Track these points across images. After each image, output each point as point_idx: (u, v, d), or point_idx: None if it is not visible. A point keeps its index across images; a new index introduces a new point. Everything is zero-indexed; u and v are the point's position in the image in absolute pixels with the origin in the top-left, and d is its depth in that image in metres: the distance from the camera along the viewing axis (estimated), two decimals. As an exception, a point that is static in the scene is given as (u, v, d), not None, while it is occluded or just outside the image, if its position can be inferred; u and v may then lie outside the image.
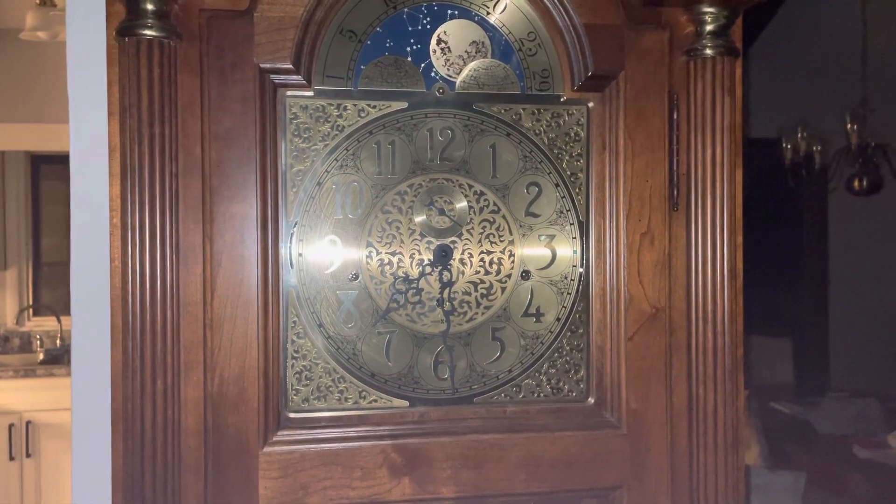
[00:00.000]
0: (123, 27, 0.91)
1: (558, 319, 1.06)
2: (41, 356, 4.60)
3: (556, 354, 1.06)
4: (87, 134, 1.02)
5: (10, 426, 4.13)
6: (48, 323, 4.80)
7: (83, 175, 1.03)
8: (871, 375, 5.32)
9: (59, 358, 4.54)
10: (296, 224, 1.00)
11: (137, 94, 0.91)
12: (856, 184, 4.48)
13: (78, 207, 1.03)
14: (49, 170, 4.92)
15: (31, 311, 4.84)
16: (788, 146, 4.40)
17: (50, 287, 4.89)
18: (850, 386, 5.20)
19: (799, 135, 4.33)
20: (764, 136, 4.92)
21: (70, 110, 1.01)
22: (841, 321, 5.68)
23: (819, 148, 4.43)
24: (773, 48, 5.12)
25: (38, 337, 4.76)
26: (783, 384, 5.04)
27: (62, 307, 4.71)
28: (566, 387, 1.06)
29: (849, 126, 4.40)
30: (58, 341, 4.74)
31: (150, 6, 0.91)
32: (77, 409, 1.07)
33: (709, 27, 1.02)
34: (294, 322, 1.00)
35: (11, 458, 4.12)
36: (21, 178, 4.86)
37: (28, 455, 4.16)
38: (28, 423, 4.16)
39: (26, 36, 3.53)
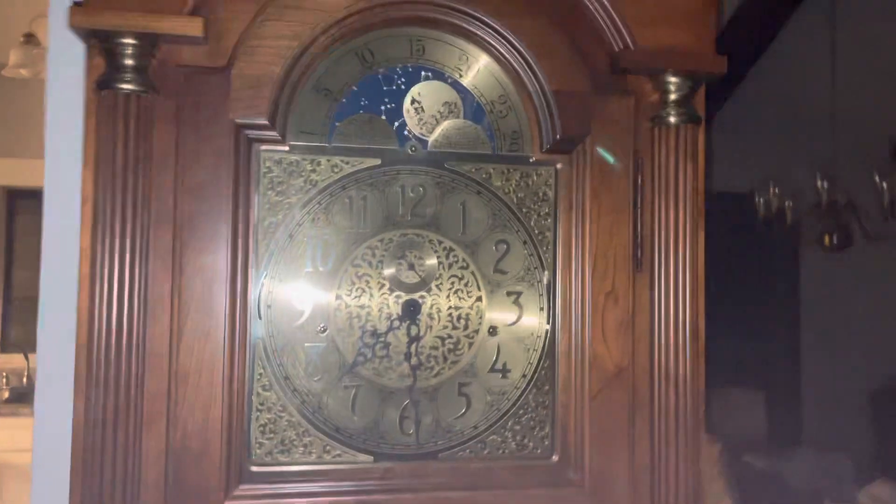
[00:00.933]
0: (102, 80, 0.93)
1: (524, 376, 1.07)
2: (6, 394, 4.51)
3: (521, 411, 1.07)
4: (62, 182, 1.03)
5: (-28, 468, 4.02)
6: (15, 360, 4.71)
7: (55, 223, 1.03)
8: (843, 428, 5.35)
9: (25, 396, 4.44)
10: (265, 276, 1.01)
11: (113, 145, 0.92)
12: (826, 240, 4.57)
13: (49, 253, 1.04)
14: (25, 204, 4.89)
15: (-2, 347, 4.76)
16: (761, 201, 4.49)
17: (20, 322, 4.81)
18: (821, 438, 5.23)
19: (771, 190, 4.42)
20: (737, 191, 5.02)
21: (46, 159, 1.02)
22: (813, 374, 5.73)
23: (790, 204, 4.53)
24: (747, 105, 5.26)
25: (4, 374, 4.67)
26: (756, 436, 5.05)
27: (31, 345, 4.63)
28: (531, 443, 1.07)
29: (819, 183, 4.50)
30: (24, 379, 4.65)
31: (128, 61, 0.93)
32: (38, 455, 1.06)
33: (672, 96, 1.06)
34: (260, 374, 1.00)
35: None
36: (-3, 211, 4.82)
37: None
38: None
39: (9, 73, 3.54)
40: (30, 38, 3.49)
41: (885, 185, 4.25)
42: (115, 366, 0.91)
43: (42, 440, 1.07)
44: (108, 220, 0.92)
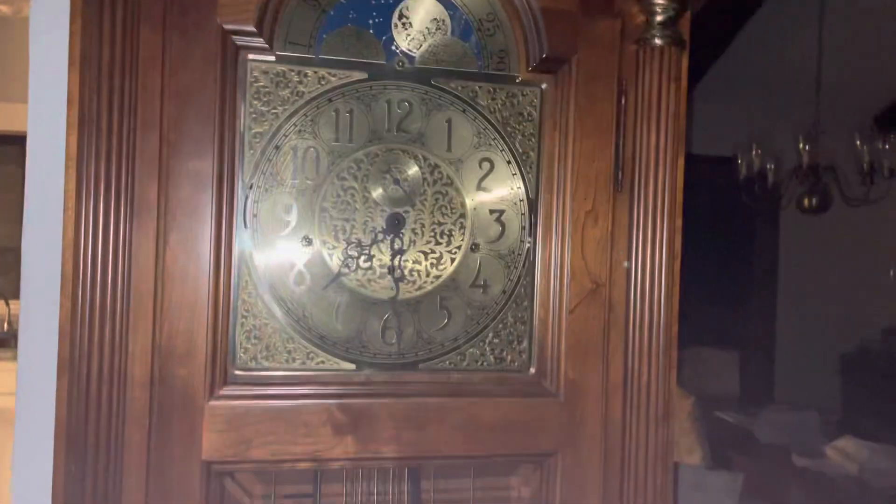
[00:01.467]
0: (88, -20, 0.93)
1: (504, 291, 1.10)
2: (-14, 338, 4.49)
3: (500, 325, 1.09)
4: (47, 85, 1.02)
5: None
6: (-5, 306, 4.69)
7: (40, 127, 1.03)
8: (814, 389, 5.48)
9: (6, 342, 4.43)
10: (251, 186, 1.02)
11: (99, 46, 0.92)
12: (806, 202, 4.63)
13: (34, 156, 1.04)
14: (4, 152, 4.81)
15: (-23, 293, 4.72)
16: (743, 162, 4.53)
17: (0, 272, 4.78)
18: (792, 398, 5.36)
19: (753, 152, 4.46)
20: (720, 154, 5.06)
21: (31, 60, 1.01)
22: (787, 335, 5.84)
23: (772, 166, 4.57)
24: (733, 68, 5.27)
25: (-16, 319, 4.64)
26: (729, 395, 5.16)
27: (11, 292, 4.61)
28: (509, 357, 1.10)
29: (801, 146, 4.55)
30: (5, 325, 4.63)
31: (116, -39, 0.92)
32: (22, 396, 1.07)
33: (658, 18, 1.07)
34: (246, 282, 1.02)
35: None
36: (-26, 157, 4.74)
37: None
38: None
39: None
40: (9, -27, 3.40)
41: (865, 148, 4.30)
42: (102, 265, 0.92)
43: (27, 380, 1.08)
44: (95, 121, 0.93)
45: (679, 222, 1.10)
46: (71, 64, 0.94)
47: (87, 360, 0.91)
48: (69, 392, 0.92)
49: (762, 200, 4.70)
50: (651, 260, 1.08)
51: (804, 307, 5.74)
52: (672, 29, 1.07)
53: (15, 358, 1.11)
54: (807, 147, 4.55)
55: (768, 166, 4.56)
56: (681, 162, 1.10)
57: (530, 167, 1.10)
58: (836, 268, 5.70)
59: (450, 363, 1.08)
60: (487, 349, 1.09)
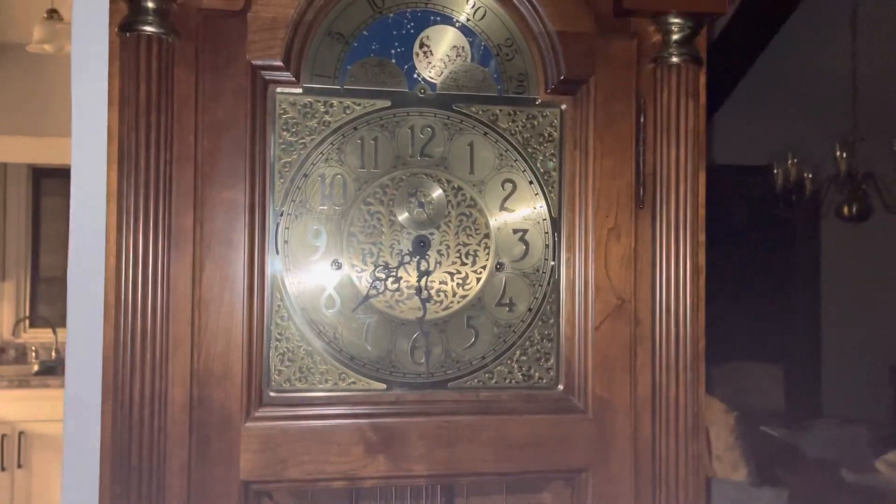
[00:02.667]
0: (125, 23, 0.98)
1: (530, 310, 1.11)
2: (36, 367, 4.63)
3: (527, 343, 1.11)
4: (88, 123, 1.08)
5: (3, 437, 4.15)
6: (44, 335, 4.84)
7: (83, 161, 1.09)
8: (862, 401, 5.35)
9: (53, 369, 4.57)
10: (282, 213, 1.06)
11: (136, 85, 0.97)
12: (846, 210, 4.55)
13: (78, 189, 1.09)
14: (50, 185, 4.99)
15: (27, 322, 4.89)
16: (779, 172, 4.48)
17: (47, 302, 4.94)
18: (840, 411, 5.23)
19: (790, 161, 4.41)
20: (756, 164, 5.01)
21: (73, 98, 1.07)
22: (833, 347, 5.71)
23: (810, 175, 4.51)
24: (767, 77, 5.22)
25: (33, 348, 4.80)
26: (773, 409, 5.07)
27: (59, 320, 4.75)
28: (537, 374, 1.11)
29: (838, 154, 4.48)
30: (53, 353, 4.78)
31: (150, 4, 0.97)
32: (69, 424, 1.12)
33: (675, 37, 1.09)
34: (279, 306, 1.05)
35: (3, 469, 4.14)
36: (22, 190, 4.93)
37: (20, 466, 4.17)
38: (21, 433, 4.18)
39: (33, 48, 3.62)
40: (52, 14, 3.56)
41: (904, 154, 4.22)
42: (143, 294, 0.97)
43: (73, 406, 1.13)
44: (133, 157, 0.97)
45: (702, 237, 1.11)
46: (111, 103, 0.99)
47: (129, 384, 0.96)
48: (113, 416, 0.96)
49: (800, 210, 4.64)
50: (675, 275, 1.09)
51: (850, 317, 5.61)
52: (688, 47, 1.09)
53: (63, 385, 1.16)
54: (844, 154, 4.49)
55: (806, 175, 4.50)
56: (702, 177, 1.11)
57: (552, 186, 1.12)
58: (881, 276, 5.57)
59: (478, 381, 1.10)
60: (515, 367, 1.11)
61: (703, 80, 1.11)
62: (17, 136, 4.57)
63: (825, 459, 4.02)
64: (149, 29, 0.97)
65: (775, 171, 4.48)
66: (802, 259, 5.74)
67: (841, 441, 4.29)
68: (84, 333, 1.09)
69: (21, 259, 4.91)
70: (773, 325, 5.62)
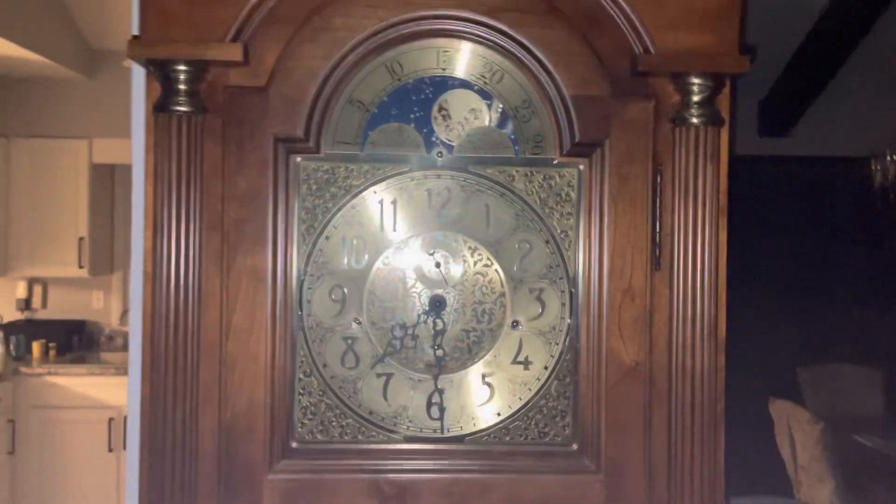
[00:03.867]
0: (158, 104, 1.05)
1: (546, 368, 1.13)
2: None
3: (542, 401, 1.13)
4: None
5: (110, 420, 4.46)
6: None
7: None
8: (970, 411, 4.99)
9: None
10: (305, 274, 1.11)
11: (168, 161, 1.05)
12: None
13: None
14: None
15: (133, 312, 5.22)
16: (878, 168, 4.23)
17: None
18: (945, 422, 4.90)
19: (888, 157, 4.15)
20: (854, 156, 4.73)
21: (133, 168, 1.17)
22: (938, 351, 5.34)
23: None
24: (865, 68, 4.90)
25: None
26: (870, 417, 4.81)
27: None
28: (552, 432, 1.13)
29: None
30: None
31: (181, 86, 1.05)
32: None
33: (695, 97, 1.07)
34: (302, 362, 1.12)
35: (110, 450, 4.46)
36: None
37: (125, 448, 4.50)
38: (126, 417, 4.50)
39: (127, 64, 3.83)
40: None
41: None
42: (174, 354, 1.05)
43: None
44: (166, 225, 1.05)
45: (722, 298, 1.09)
46: (147, 178, 1.07)
47: (162, 437, 1.04)
48: (150, 466, 1.05)
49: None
50: (692, 337, 1.08)
51: (958, 320, 5.23)
52: (709, 108, 1.07)
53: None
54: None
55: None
56: (722, 238, 1.09)
57: (569, 245, 1.13)
58: None
59: (494, 437, 1.13)
60: (531, 424, 1.13)
61: (724, 139, 1.09)
62: (125, 139, 4.87)
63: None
64: (180, 109, 1.04)
65: (873, 167, 4.23)
66: (907, 257, 5.39)
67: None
68: (134, 383, 1.19)
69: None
70: (874, 325, 5.32)
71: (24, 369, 4.28)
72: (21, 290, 4.75)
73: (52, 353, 4.50)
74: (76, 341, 4.73)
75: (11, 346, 4.41)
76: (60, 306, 4.89)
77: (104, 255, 4.82)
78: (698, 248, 1.07)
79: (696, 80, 1.06)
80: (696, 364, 1.08)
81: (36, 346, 4.44)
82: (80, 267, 4.62)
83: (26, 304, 4.76)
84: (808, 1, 4.21)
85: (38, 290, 4.82)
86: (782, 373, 4.79)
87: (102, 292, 5.02)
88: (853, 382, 5.02)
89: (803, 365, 4.79)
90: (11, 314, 4.72)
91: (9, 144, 4.48)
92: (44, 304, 4.87)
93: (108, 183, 4.84)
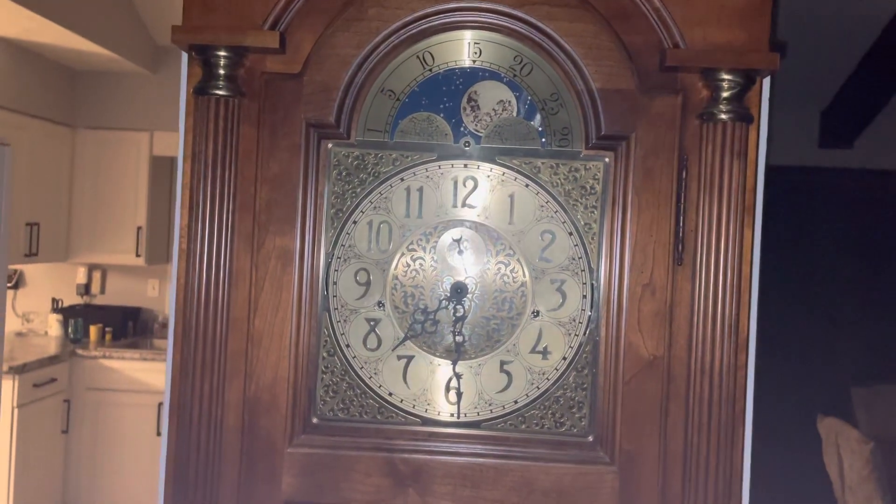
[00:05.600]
0: (198, 87, 1.10)
1: (565, 358, 1.14)
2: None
3: (560, 391, 1.14)
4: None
5: (159, 405, 4.60)
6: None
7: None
8: None
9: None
10: (332, 256, 1.15)
11: (205, 143, 1.09)
12: None
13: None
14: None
15: (185, 301, 5.38)
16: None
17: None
18: None
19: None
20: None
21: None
22: None
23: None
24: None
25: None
26: (927, 439, 4.62)
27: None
28: (568, 422, 1.14)
29: None
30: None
31: (222, 71, 1.09)
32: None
33: (724, 93, 1.06)
34: (326, 342, 1.15)
35: (158, 434, 4.60)
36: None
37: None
38: (174, 402, 4.63)
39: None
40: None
41: None
42: (203, 327, 1.09)
43: None
44: (202, 205, 1.10)
45: (746, 297, 1.08)
46: (185, 158, 1.12)
47: (189, 407, 1.09)
48: (177, 434, 1.09)
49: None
50: (713, 334, 1.07)
51: None
52: (738, 104, 1.06)
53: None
54: None
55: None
56: (749, 236, 1.08)
57: (592, 238, 1.14)
58: None
59: (510, 424, 1.14)
60: (548, 413, 1.14)
61: (753, 137, 1.08)
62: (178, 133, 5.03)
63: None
64: (219, 92, 1.09)
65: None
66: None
67: None
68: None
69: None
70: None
71: (80, 351, 4.45)
72: (81, 276, 4.94)
73: (107, 337, 4.66)
74: (131, 327, 4.89)
75: (70, 329, 4.59)
76: (118, 293, 5.06)
77: (161, 244, 4.97)
78: (722, 245, 1.07)
79: (725, 77, 1.06)
80: (715, 361, 1.07)
81: (93, 330, 4.61)
82: (138, 255, 4.78)
83: (86, 289, 4.95)
84: (873, 13, 4.10)
85: (97, 276, 5.01)
86: (836, 390, 4.65)
87: (158, 281, 5.17)
88: (910, 403, 4.84)
89: (858, 383, 4.65)
90: (71, 298, 4.91)
91: (74, 135, 4.67)
92: (102, 290, 5.05)
93: (167, 175, 5.00)
